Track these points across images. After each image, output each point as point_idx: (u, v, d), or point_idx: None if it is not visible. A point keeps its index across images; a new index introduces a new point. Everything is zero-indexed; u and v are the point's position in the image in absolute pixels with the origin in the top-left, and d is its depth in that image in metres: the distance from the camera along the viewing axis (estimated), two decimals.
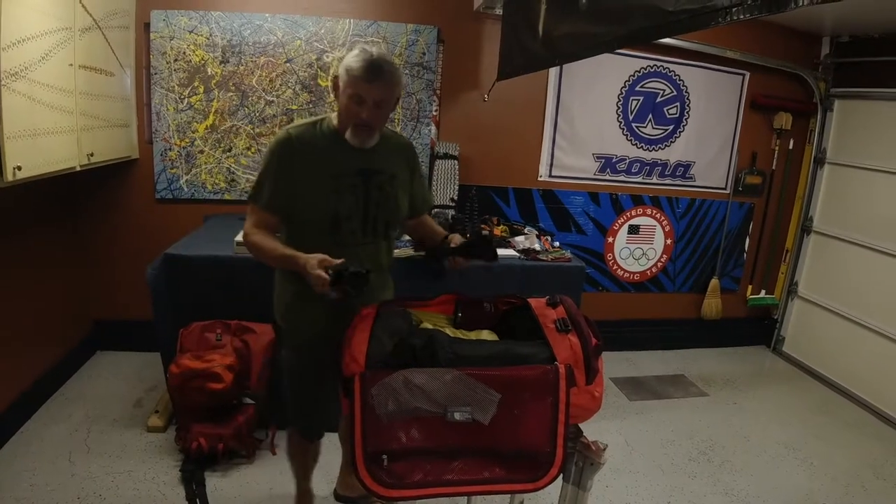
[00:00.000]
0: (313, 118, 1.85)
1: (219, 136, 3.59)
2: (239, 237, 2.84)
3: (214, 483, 2.58)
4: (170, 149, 3.56)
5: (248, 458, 2.73)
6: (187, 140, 3.57)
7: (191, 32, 3.43)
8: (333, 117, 1.84)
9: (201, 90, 3.52)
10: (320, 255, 1.63)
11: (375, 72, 1.67)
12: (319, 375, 1.94)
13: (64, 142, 2.60)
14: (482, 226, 1.77)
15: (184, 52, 3.45)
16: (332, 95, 1.87)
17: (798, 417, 3.59)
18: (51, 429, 2.89)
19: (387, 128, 1.91)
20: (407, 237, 3.11)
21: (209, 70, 3.50)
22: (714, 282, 4.51)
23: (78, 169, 2.76)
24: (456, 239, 1.98)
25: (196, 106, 3.53)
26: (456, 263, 1.95)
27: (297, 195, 1.77)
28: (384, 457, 1.45)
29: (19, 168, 2.19)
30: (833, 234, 4.27)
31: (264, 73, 3.55)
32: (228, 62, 3.50)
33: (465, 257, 1.94)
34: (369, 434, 1.44)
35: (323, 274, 1.59)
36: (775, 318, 4.71)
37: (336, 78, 1.76)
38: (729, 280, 4.60)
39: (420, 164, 2.07)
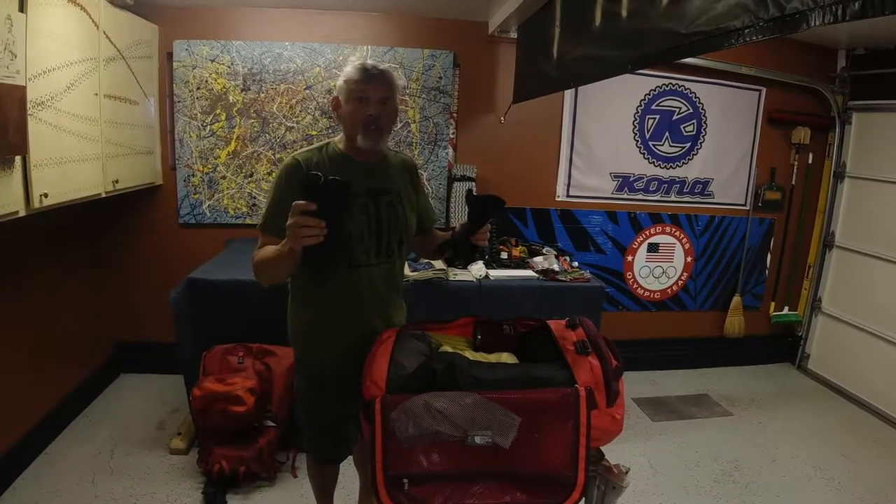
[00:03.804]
0: (317, 144, 1.86)
1: (240, 161, 3.66)
2: None
3: None
4: (193, 175, 3.64)
5: (269, 480, 2.74)
6: (210, 166, 3.64)
7: (212, 61, 3.52)
8: (338, 140, 1.86)
9: (223, 117, 3.60)
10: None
11: (372, 71, 1.73)
12: (333, 405, 1.93)
13: (89, 169, 2.67)
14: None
15: (206, 81, 3.54)
16: (334, 113, 1.87)
17: (824, 436, 3.52)
18: (74, 450, 2.93)
19: (388, 148, 1.94)
20: (425, 260, 3.13)
21: (231, 98, 3.58)
22: (736, 299, 4.46)
23: (103, 195, 2.82)
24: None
25: (218, 133, 3.61)
26: (482, 237, 1.83)
27: None
28: (405, 480, 1.45)
29: (46, 195, 2.26)
30: (855, 249, 4.20)
31: (284, 100, 3.62)
32: (249, 90, 3.58)
33: (481, 218, 1.79)
34: (390, 458, 1.44)
35: (301, 207, 1.42)
36: (799, 334, 4.63)
37: (335, 98, 1.81)
38: (751, 297, 4.55)
39: (422, 180, 2.08)
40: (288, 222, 1.44)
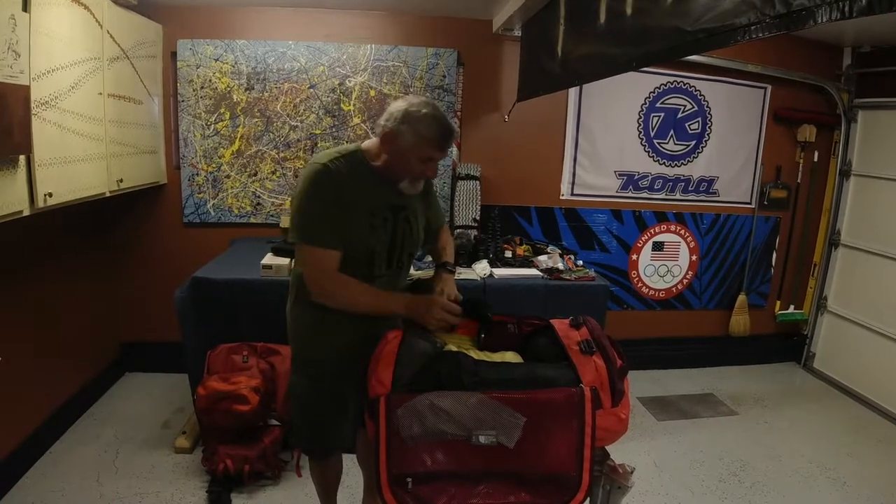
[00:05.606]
0: (343, 150, 1.80)
1: (244, 160, 3.67)
2: (266, 260, 2.88)
3: None
4: (197, 174, 3.64)
5: (273, 479, 2.75)
6: (214, 165, 3.65)
7: (216, 61, 3.52)
8: (366, 149, 1.82)
9: (227, 116, 3.60)
10: (441, 301, 1.77)
11: (449, 139, 1.76)
12: (332, 403, 1.94)
13: (94, 169, 2.68)
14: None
15: (210, 80, 3.54)
16: (381, 145, 1.77)
17: (830, 436, 3.50)
18: (79, 449, 2.94)
19: None
20: (429, 258, 3.13)
21: (235, 97, 3.58)
22: (741, 298, 4.44)
23: (108, 195, 2.83)
24: (446, 288, 1.92)
25: (222, 132, 3.61)
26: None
27: (342, 230, 1.74)
28: (409, 480, 1.44)
29: (50, 195, 2.27)
30: (861, 247, 4.18)
31: (288, 99, 3.62)
32: (253, 89, 3.58)
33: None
34: (394, 456, 1.44)
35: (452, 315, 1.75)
36: (805, 333, 4.61)
37: (391, 133, 1.72)
38: (756, 296, 4.53)
39: (433, 184, 2.09)
40: (436, 307, 1.74)
